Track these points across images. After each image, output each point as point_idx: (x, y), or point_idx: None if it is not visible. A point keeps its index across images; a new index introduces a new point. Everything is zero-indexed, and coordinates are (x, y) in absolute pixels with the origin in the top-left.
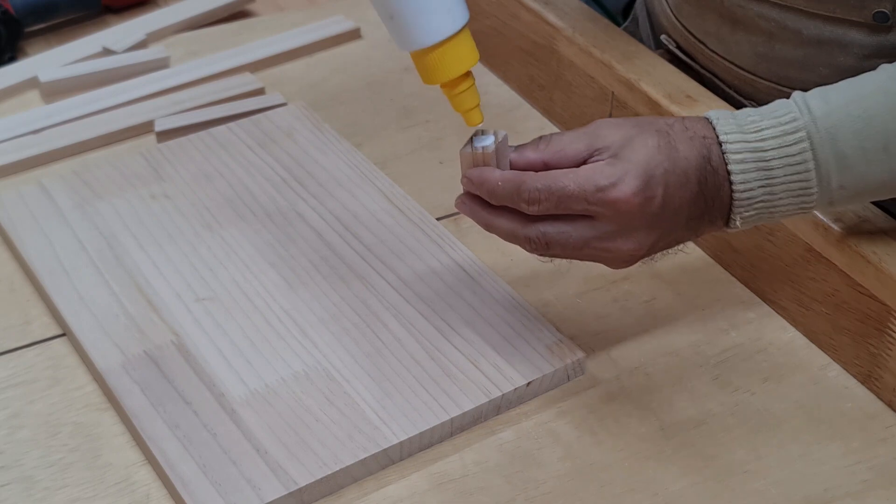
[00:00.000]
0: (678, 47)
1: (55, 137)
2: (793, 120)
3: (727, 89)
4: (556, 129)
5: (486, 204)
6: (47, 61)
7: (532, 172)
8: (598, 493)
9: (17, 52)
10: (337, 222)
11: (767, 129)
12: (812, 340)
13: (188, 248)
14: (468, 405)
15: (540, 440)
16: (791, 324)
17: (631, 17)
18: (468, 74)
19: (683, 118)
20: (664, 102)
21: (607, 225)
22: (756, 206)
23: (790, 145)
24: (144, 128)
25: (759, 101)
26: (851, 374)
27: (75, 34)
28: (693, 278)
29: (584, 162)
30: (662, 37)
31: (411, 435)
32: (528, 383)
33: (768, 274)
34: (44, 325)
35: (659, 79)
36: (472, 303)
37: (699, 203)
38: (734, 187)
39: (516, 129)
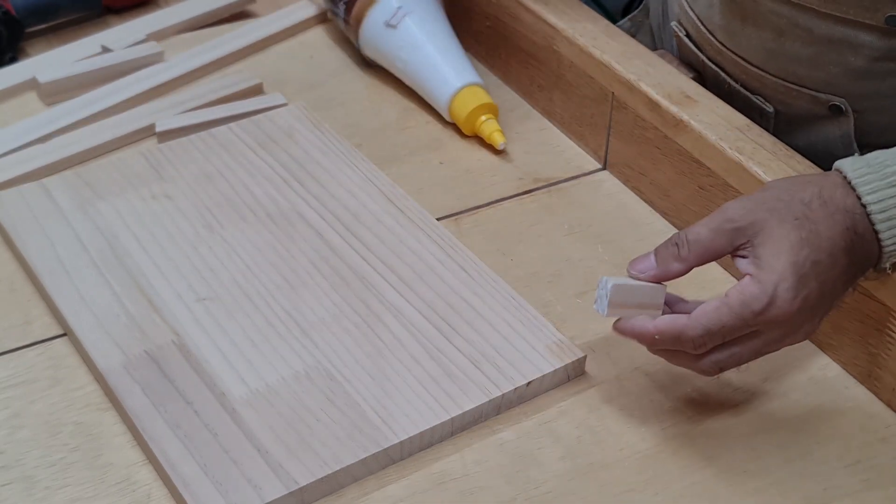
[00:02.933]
0: (687, 35)
1: (58, 148)
2: None
3: (733, 83)
4: (556, 129)
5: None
6: (48, 62)
7: (685, 318)
8: (598, 493)
9: (17, 52)
10: (337, 222)
11: None
12: (812, 340)
13: (189, 248)
14: (468, 405)
15: (540, 440)
16: None
17: (641, 6)
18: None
19: (819, 188)
20: (664, 103)
21: (773, 332)
22: None
23: None
24: (147, 131)
25: (767, 97)
26: (851, 374)
27: (76, 34)
28: (693, 279)
29: (729, 254)
30: (673, 23)
31: (412, 434)
32: (529, 383)
33: None
34: (44, 325)
35: (659, 79)
36: (472, 303)
37: (850, 271)
38: (883, 243)
39: (516, 130)
